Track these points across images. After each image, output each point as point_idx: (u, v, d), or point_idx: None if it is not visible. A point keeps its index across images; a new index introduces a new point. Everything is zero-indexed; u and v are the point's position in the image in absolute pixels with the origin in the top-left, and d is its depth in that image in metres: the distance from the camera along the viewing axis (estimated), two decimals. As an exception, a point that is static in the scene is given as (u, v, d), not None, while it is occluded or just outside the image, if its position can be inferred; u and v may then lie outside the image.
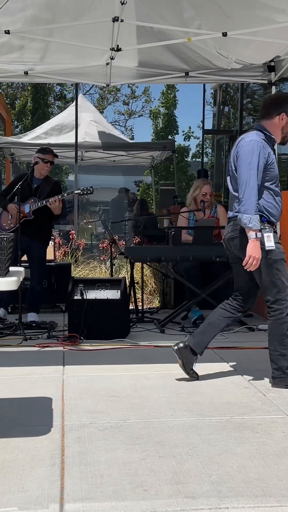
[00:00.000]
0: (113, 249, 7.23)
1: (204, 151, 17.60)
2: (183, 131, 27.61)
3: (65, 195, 6.52)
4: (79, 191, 6.59)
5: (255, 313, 6.90)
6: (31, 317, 6.31)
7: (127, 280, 6.28)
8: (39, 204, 6.31)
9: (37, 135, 12.85)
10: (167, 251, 6.18)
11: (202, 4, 5.71)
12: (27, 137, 13.05)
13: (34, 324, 6.06)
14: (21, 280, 3.36)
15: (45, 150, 6.64)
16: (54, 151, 6.74)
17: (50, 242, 7.16)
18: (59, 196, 6.31)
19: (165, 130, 26.02)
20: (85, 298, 5.61)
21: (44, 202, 6.31)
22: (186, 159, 26.28)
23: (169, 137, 25.13)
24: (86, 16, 5.97)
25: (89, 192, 6.51)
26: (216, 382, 4.15)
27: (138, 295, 6.95)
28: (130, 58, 6.75)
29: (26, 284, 6.44)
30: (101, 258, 8.58)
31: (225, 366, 4.59)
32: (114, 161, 14.60)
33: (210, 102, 21.05)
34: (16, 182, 6.31)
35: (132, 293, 6.65)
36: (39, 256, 6.46)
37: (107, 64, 6.70)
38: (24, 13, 5.83)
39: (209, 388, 4.00)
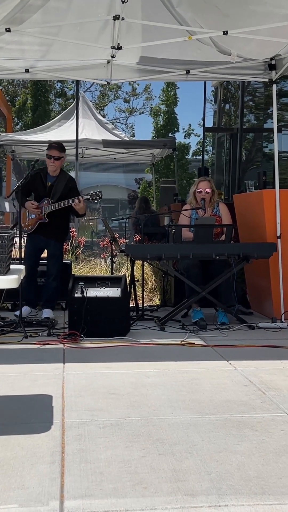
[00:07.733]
0: (113, 246, 7.23)
1: (205, 148, 17.60)
2: (184, 129, 27.70)
3: (70, 201, 6.24)
4: (88, 197, 6.35)
5: (255, 311, 6.91)
6: (46, 313, 6.31)
7: (127, 278, 6.29)
8: (52, 207, 6.29)
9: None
10: (168, 249, 6.18)
11: (200, 6, 5.72)
12: (29, 136, 13.07)
13: (34, 322, 6.06)
14: (21, 278, 3.36)
15: (50, 145, 6.62)
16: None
17: None
18: (81, 197, 6.20)
19: (166, 127, 26.06)
20: (85, 295, 5.62)
21: (57, 205, 6.27)
22: (186, 156, 26.34)
23: (170, 134, 25.17)
24: (87, 14, 5.97)
25: (98, 197, 6.40)
26: (216, 380, 4.16)
27: (139, 293, 6.96)
28: (131, 56, 6.74)
29: (42, 280, 6.63)
30: (101, 255, 8.57)
31: (225, 364, 4.60)
32: (114, 158, 14.61)
33: (211, 100, 21.08)
34: (30, 179, 6.25)
35: (132, 291, 6.66)
36: (54, 253, 6.49)
37: (108, 62, 6.71)
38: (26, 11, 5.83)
39: (209, 386, 4.01)
